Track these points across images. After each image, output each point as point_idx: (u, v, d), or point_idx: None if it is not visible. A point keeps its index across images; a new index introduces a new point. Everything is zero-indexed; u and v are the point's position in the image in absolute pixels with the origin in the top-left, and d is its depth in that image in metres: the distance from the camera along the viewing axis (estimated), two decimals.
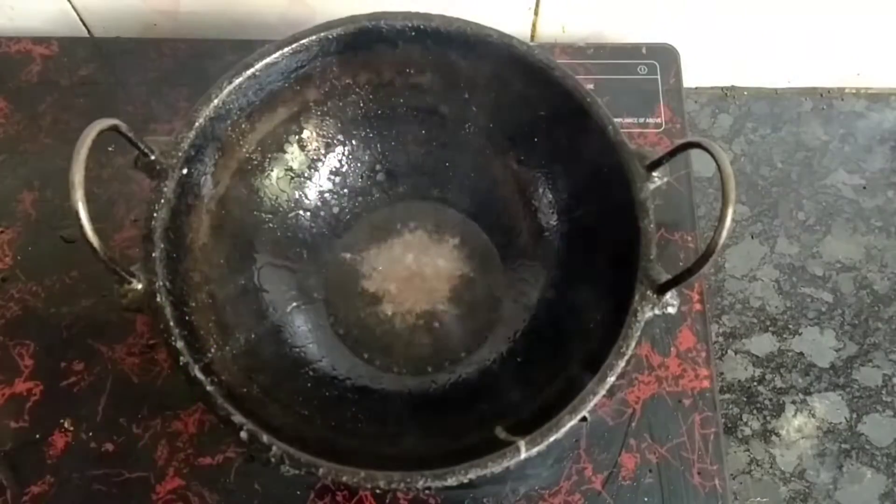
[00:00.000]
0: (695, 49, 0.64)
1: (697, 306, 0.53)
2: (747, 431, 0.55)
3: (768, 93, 0.68)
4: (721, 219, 0.37)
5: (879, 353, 0.57)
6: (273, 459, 0.37)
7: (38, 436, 0.49)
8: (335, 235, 0.53)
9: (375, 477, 0.37)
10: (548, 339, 0.48)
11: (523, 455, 0.38)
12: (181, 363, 0.39)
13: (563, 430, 0.38)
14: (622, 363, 0.40)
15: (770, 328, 0.58)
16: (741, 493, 0.53)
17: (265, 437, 0.38)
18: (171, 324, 0.40)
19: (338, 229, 0.53)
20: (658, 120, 0.59)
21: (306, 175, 0.53)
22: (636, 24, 0.63)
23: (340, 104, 0.52)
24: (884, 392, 0.56)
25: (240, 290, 0.47)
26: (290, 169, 0.52)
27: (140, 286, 0.40)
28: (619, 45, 0.63)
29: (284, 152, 0.51)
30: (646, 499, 0.48)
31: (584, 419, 0.39)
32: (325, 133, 0.53)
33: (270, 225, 0.51)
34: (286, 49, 0.47)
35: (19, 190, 0.56)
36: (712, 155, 0.38)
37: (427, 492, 0.47)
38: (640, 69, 0.61)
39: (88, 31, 0.64)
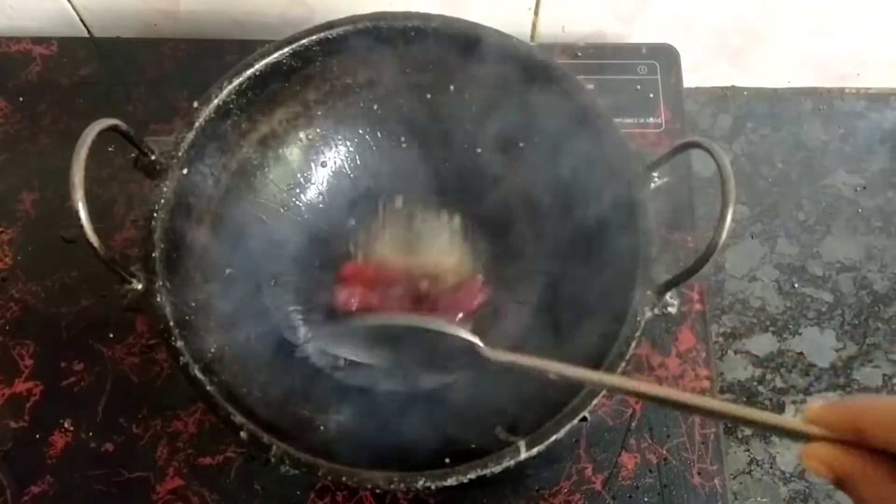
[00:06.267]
0: (695, 49, 0.64)
1: (697, 306, 0.53)
2: (747, 431, 0.55)
3: (768, 93, 0.68)
4: (721, 219, 0.37)
5: (879, 353, 0.57)
6: (273, 459, 0.37)
7: (38, 436, 0.49)
8: (335, 234, 0.53)
9: (375, 477, 0.37)
10: (548, 339, 0.48)
11: (523, 455, 0.38)
12: (181, 363, 0.39)
13: (563, 430, 0.38)
14: (622, 363, 0.40)
15: (770, 328, 0.58)
16: (741, 493, 0.53)
17: (265, 437, 0.38)
18: (171, 324, 0.40)
19: (338, 228, 0.53)
20: (658, 120, 0.59)
21: (306, 175, 0.53)
22: (636, 24, 0.63)
23: (340, 104, 0.52)
24: (884, 392, 0.56)
25: (240, 291, 0.47)
26: (291, 169, 0.52)
27: (140, 286, 0.40)
28: (619, 45, 0.63)
29: (284, 152, 0.51)
30: (646, 499, 0.48)
31: (584, 419, 0.39)
32: (325, 133, 0.53)
33: (271, 225, 0.51)
34: (286, 49, 0.47)
35: (19, 190, 0.56)
36: (712, 155, 0.38)
37: (427, 492, 0.47)
38: (640, 69, 0.61)
39: (88, 31, 0.64)
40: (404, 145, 0.54)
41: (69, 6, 0.62)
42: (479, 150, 0.53)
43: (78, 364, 0.51)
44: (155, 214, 0.42)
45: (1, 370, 0.50)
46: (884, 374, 0.57)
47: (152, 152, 0.43)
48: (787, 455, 0.54)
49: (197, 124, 0.44)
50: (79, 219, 0.35)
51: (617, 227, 0.44)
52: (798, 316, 0.59)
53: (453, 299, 0.51)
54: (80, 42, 0.63)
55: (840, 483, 0.25)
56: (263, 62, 0.46)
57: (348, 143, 0.54)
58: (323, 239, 0.53)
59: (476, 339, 0.37)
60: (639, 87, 0.60)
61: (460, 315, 0.51)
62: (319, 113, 0.52)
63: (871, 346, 0.58)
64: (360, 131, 0.54)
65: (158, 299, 0.40)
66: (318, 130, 0.52)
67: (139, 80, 0.60)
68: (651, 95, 0.60)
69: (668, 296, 0.41)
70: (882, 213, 0.62)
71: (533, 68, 0.48)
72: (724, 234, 0.37)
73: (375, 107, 0.53)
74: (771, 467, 0.54)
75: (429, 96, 0.52)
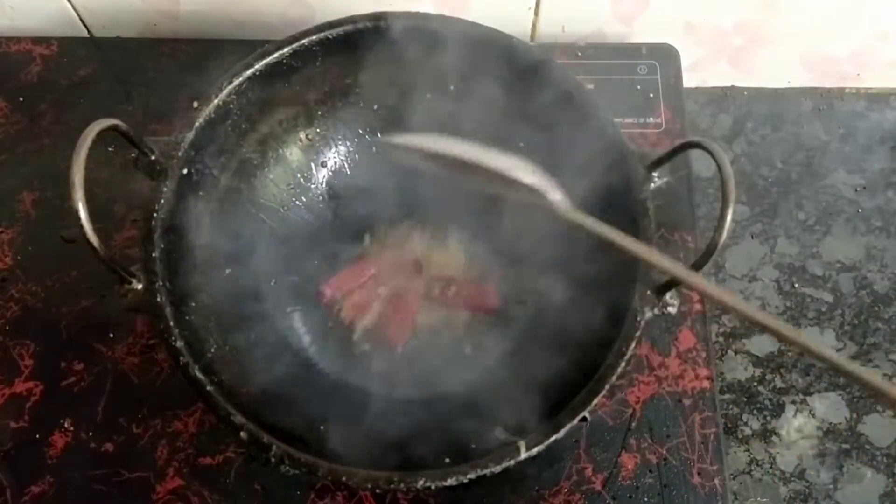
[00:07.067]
0: (695, 49, 0.64)
1: (697, 306, 0.53)
2: (747, 431, 0.55)
3: (768, 93, 0.67)
4: (721, 219, 0.37)
5: (879, 353, 0.57)
6: (273, 459, 0.37)
7: (38, 436, 0.49)
8: (335, 235, 0.53)
9: (375, 477, 0.37)
10: (548, 339, 0.48)
11: (523, 455, 0.38)
12: (181, 363, 0.39)
13: (563, 430, 0.38)
14: (622, 363, 0.40)
15: None
16: (741, 493, 0.53)
17: (265, 437, 0.38)
18: (171, 324, 0.40)
19: (338, 229, 0.53)
20: (658, 120, 0.59)
21: (306, 175, 0.53)
22: (636, 24, 0.63)
23: (340, 104, 0.52)
24: None
25: (240, 291, 0.47)
26: (290, 169, 0.52)
27: (140, 286, 0.40)
28: (619, 45, 0.63)
29: (284, 152, 0.52)
30: (646, 499, 0.48)
31: (584, 419, 0.39)
32: (325, 133, 0.53)
33: (271, 225, 0.51)
34: (286, 49, 0.47)
35: (19, 190, 0.56)
36: (712, 155, 0.38)
37: (427, 492, 0.47)
38: (640, 69, 0.61)
39: (88, 31, 0.64)
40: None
41: (69, 6, 0.62)
42: None
43: (78, 364, 0.51)
44: (155, 214, 0.42)
45: (1, 370, 0.50)
46: (884, 374, 0.57)
47: (152, 152, 0.43)
48: (787, 455, 0.54)
49: (197, 124, 0.44)
50: (79, 219, 0.35)
51: (617, 227, 0.44)
52: (798, 316, 0.59)
53: (467, 298, 0.51)
54: (80, 42, 0.63)
55: None
56: (263, 62, 0.46)
57: (348, 143, 0.54)
58: (323, 239, 0.53)
59: (547, 191, 0.33)
60: (639, 87, 0.60)
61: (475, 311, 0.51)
62: (319, 113, 0.52)
63: (871, 346, 0.58)
64: (360, 131, 0.54)
65: (158, 299, 0.40)
66: (318, 130, 0.52)
67: (139, 80, 0.60)
68: (651, 95, 0.60)
69: (668, 296, 0.41)
70: (882, 213, 0.62)
71: (533, 68, 0.48)
72: (724, 234, 0.37)
73: (375, 107, 0.53)
74: (771, 467, 0.54)
75: (428, 96, 0.52)
